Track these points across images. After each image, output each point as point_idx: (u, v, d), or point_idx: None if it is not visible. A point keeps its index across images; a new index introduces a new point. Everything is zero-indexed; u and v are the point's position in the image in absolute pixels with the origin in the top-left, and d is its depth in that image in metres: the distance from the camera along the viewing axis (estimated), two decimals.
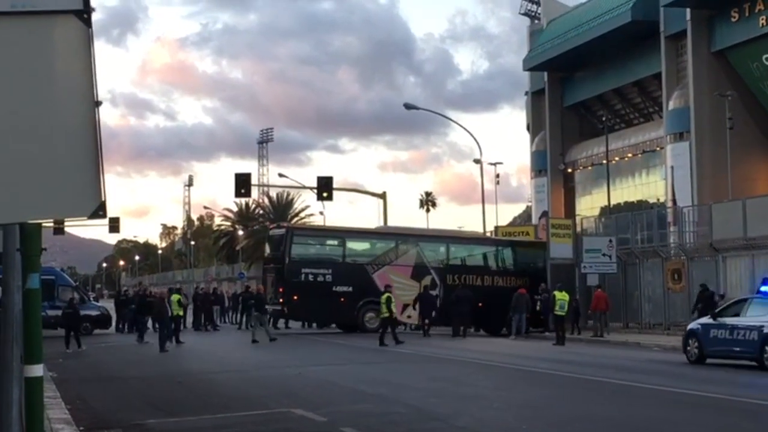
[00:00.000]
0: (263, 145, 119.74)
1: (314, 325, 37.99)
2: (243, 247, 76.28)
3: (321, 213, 67.72)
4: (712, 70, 46.91)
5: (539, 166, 63.10)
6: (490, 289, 34.53)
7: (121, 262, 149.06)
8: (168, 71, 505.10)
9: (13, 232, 5.35)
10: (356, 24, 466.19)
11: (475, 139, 55.47)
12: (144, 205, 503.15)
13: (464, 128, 58.07)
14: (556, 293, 29.08)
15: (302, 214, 76.15)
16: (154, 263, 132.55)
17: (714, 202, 34.13)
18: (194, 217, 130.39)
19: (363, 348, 25.43)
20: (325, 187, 40.45)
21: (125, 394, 15.14)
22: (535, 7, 67.16)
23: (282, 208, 76.52)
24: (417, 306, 32.12)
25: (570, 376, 17.23)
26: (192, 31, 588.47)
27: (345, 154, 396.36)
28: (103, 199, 4.08)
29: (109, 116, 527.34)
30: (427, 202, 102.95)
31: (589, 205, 59.07)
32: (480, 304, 32.90)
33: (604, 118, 52.11)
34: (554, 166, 61.74)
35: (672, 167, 47.90)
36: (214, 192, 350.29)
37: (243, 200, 72.71)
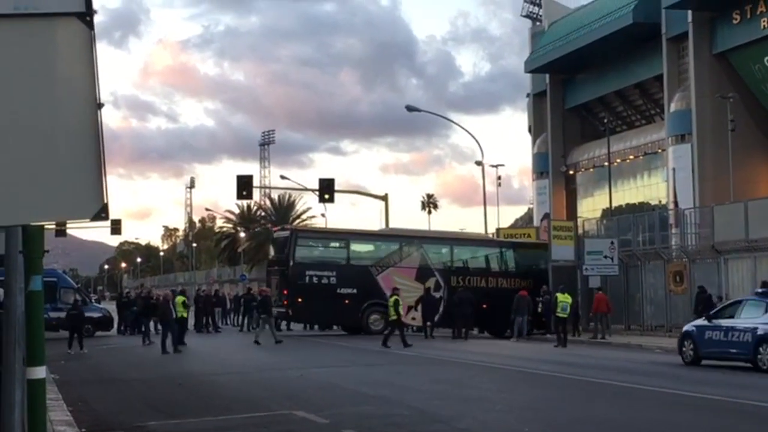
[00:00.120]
0: (265, 147, 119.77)
1: (316, 326, 38.00)
2: (244, 249, 76.32)
3: (323, 215, 67.86)
4: (713, 72, 46.92)
5: (541, 168, 63.09)
6: (495, 291, 34.50)
7: (123, 264, 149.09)
8: (170, 73, 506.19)
9: (15, 234, 5.35)
10: (358, 26, 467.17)
11: (476, 141, 55.42)
12: (146, 207, 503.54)
13: (466, 130, 58.04)
14: (559, 295, 29.05)
15: (304, 216, 76.27)
16: (155, 265, 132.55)
17: (716, 204, 34.12)
18: (196, 219, 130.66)
19: (365, 350, 25.43)
20: (326, 189, 40.46)
21: (127, 396, 15.14)
22: (536, 9, 67.17)
23: (284, 210, 76.57)
24: (419, 308, 32.12)
25: (572, 378, 17.24)
26: (194, 33, 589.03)
27: (347, 156, 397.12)
28: (105, 201, 4.08)
29: (111, 118, 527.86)
30: (429, 204, 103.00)
31: (591, 207, 59.07)
32: (484, 306, 32.92)
33: (605, 120, 52.10)
34: (556, 168, 61.73)
35: (674, 169, 47.90)
36: (215, 194, 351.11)
37: (245, 202, 72.95)
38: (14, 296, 5.28)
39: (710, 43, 47.22)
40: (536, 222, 60.21)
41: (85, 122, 4.07)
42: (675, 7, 47.18)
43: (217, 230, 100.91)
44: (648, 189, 55.34)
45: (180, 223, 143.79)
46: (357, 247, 35.03)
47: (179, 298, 27.63)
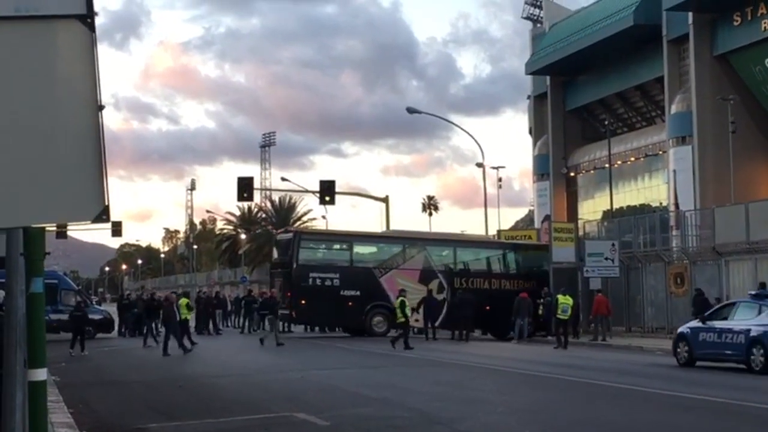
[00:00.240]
0: (266, 148, 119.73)
1: (317, 328, 37.98)
2: (245, 251, 76.29)
3: (323, 217, 67.76)
4: (714, 74, 46.95)
5: (542, 169, 63.12)
6: (498, 293, 34.45)
7: (124, 266, 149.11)
8: (171, 75, 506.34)
9: (16, 236, 5.36)
10: (359, 28, 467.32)
11: (477, 143, 55.61)
12: (146, 209, 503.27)
13: (467, 132, 58.35)
14: (560, 297, 29.01)
15: (305, 218, 76.16)
16: (156, 267, 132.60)
17: (716, 206, 34.11)
18: (197, 220, 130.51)
19: (367, 352, 25.43)
20: (327, 191, 40.48)
21: (127, 398, 15.14)
22: (537, 11, 67.23)
23: (284, 212, 76.53)
24: (421, 310, 32.11)
25: (572, 380, 17.24)
26: (195, 35, 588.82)
27: (347, 158, 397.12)
28: (106, 203, 4.08)
29: (112, 120, 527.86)
30: (430, 206, 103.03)
31: (592, 208, 59.08)
32: (487, 308, 32.91)
33: (606, 122, 52.09)
34: (557, 170, 61.76)
35: (674, 171, 47.91)
36: (216, 196, 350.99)
37: (245, 204, 72.99)
38: (15, 298, 5.29)
39: (711, 44, 47.25)
40: (537, 224, 60.18)
41: (86, 124, 4.07)
42: (676, 9, 47.21)
43: (217, 232, 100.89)
44: (649, 191, 55.35)
45: (181, 225, 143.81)
46: (360, 249, 35.04)
47: (183, 300, 27.63)
